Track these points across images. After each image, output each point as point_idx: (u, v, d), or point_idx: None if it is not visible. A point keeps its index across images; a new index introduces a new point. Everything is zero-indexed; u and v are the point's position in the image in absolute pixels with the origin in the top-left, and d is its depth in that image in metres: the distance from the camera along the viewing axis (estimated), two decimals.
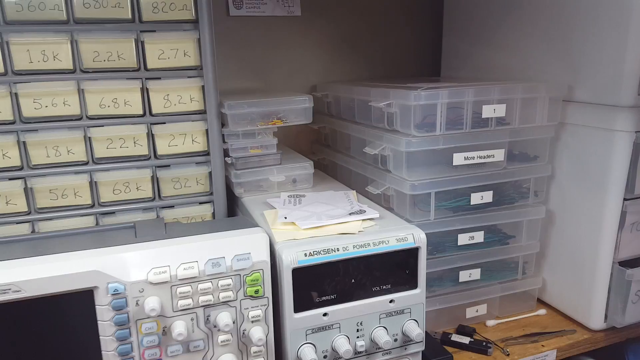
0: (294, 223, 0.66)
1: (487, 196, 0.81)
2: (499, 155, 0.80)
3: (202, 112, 0.76)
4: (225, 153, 0.81)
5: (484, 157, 0.79)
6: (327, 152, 1.07)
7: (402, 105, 0.74)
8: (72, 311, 0.54)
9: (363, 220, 0.68)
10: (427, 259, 0.66)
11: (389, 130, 0.80)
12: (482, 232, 0.82)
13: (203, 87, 0.75)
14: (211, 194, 0.80)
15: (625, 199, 0.76)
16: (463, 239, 0.82)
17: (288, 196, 0.79)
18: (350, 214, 0.69)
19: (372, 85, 0.87)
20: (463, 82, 0.88)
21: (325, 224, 0.66)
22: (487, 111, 0.76)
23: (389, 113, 0.78)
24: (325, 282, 0.62)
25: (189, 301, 0.56)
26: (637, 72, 0.71)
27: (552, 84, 0.80)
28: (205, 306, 0.57)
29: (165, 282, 0.55)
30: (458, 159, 0.77)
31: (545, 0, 0.84)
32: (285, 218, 0.68)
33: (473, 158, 0.78)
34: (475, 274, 0.85)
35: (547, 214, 0.86)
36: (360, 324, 0.64)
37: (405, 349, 0.67)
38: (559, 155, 0.84)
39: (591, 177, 0.78)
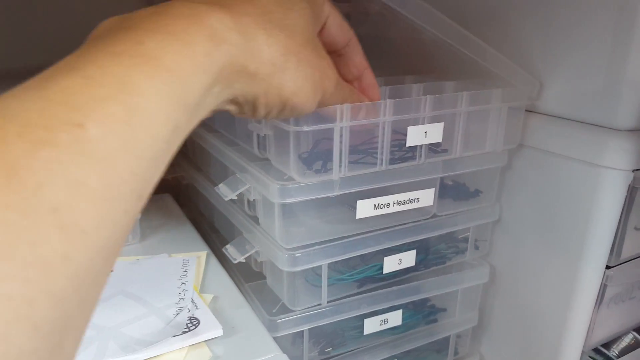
0: None
1: (408, 258, 0.53)
2: (426, 198, 0.51)
3: None
4: None
5: (405, 203, 0.50)
6: (187, 167, 0.73)
7: (278, 127, 0.43)
8: None
9: (190, 346, 0.37)
10: None
11: (261, 159, 0.49)
12: (400, 310, 0.54)
13: None
14: None
15: (607, 267, 0.51)
16: (372, 325, 0.53)
17: None
18: (171, 325, 0.38)
19: None
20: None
21: None
22: (415, 135, 0.46)
23: (259, 135, 0.47)
24: None
25: None
26: None
27: (515, 82, 0.51)
28: None
29: None
30: (364, 208, 0.48)
31: None
32: None
33: (388, 205, 0.49)
34: None
35: (490, 273, 0.59)
36: None
37: None
38: (511, 191, 0.57)
39: (560, 230, 0.52)
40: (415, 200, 0.50)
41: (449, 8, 0.48)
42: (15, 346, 0.14)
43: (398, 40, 0.60)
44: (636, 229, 0.51)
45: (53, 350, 0.16)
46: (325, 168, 0.43)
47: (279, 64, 0.28)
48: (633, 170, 0.47)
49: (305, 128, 0.40)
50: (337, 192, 0.45)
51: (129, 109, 0.18)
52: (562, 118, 0.51)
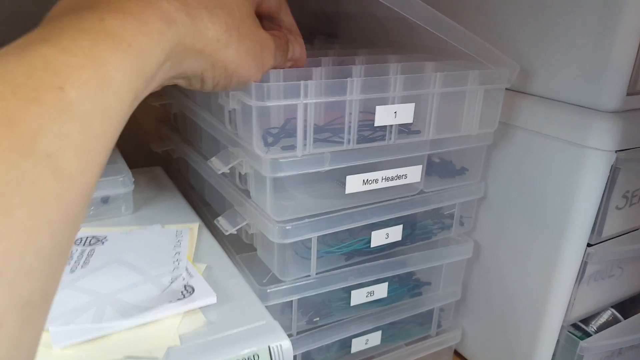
0: (47, 331, 0.35)
1: (395, 233, 0.54)
2: (414, 174, 0.52)
3: None
4: None
5: (393, 179, 0.51)
6: (177, 141, 0.74)
7: (243, 103, 0.44)
8: None
9: (185, 313, 0.38)
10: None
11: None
12: (386, 283, 0.56)
13: None
14: None
15: (588, 245, 0.52)
16: (358, 297, 0.55)
17: (75, 242, 0.47)
18: (166, 292, 0.39)
19: None
20: (354, 56, 0.59)
21: (108, 332, 0.35)
22: (384, 115, 0.47)
23: (229, 110, 0.48)
24: None
25: None
26: (630, 59, 0.46)
27: (493, 64, 0.52)
28: None
29: None
30: (353, 184, 0.49)
31: None
32: None
33: (376, 181, 0.50)
34: (374, 338, 0.59)
35: (474, 249, 0.61)
36: None
37: None
38: (497, 170, 0.58)
39: (543, 208, 0.54)
40: (403, 177, 0.52)
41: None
42: (26, 264, 0.17)
43: (385, 20, 0.60)
44: (617, 208, 0.53)
45: (52, 275, 0.19)
46: (290, 145, 0.44)
47: (223, 40, 0.31)
48: (616, 151, 0.48)
49: (268, 103, 0.41)
50: (327, 167, 0.46)
51: (100, 76, 0.21)
52: (549, 99, 0.52)
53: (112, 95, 0.22)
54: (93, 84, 0.21)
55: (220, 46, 0.31)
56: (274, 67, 0.41)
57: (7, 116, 0.17)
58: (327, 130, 0.45)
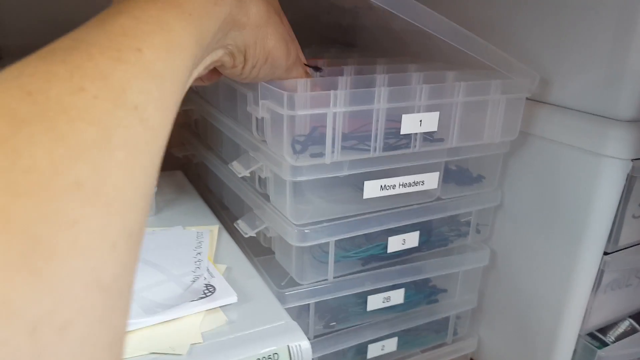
0: None
1: (412, 239, 0.55)
2: (431, 181, 0.53)
3: None
4: None
5: (410, 185, 0.52)
6: (198, 146, 0.75)
7: (273, 111, 0.45)
8: None
9: (206, 311, 0.39)
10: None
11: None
12: (403, 289, 0.56)
13: None
14: None
15: (605, 253, 0.53)
16: (375, 302, 0.55)
17: None
18: (189, 291, 0.40)
19: None
20: (374, 65, 0.60)
21: (133, 329, 0.36)
22: (409, 123, 0.48)
23: (257, 118, 0.49)
24: None
25: None
26: None
27: (513, 74, 0.53)
28: None
29: None
30: (371, 189, 0.50)
31: None
32: None
33: (393, 187, 0.51)
34: (391, 344, 0.59)
35: (490, 256, 0.61)
36: None
37: None
38: (514, 178, 0.59)
39: (560, 217, 0.54)
40: (420, 183, 0.52)
41: (455, 11, 0.49)
42: (128, 198, 0.19)
43: (402, 31, 0.61)
44: (634, 217, 0.53)
45: (145, 213, 0.21)
46: (319, 153, 0.45)
47: (264, 20, 0.35)
48: (632, 160, 0.48)
49: (299, 112, 0.42)
50: (346, 172, 0.47)
51: (169, 41, 0.24)
52: (566, 108, 0.52)
53: (178, 58, 0.24)
54: (163, 48, 0.23)
55: (261, 24, 0.35)
56: (297, 75, 0.44)
57: (99, 71, 0.20)
58: (354, 138, 0.46)
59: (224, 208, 0.68)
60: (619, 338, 0.59)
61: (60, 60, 0.19)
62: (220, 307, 0.40)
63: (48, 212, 0.16)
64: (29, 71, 0.19)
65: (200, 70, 0.30)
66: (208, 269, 0.44)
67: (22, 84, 0.18)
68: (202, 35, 0.27)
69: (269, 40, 0.37)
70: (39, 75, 0.18)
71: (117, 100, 0.19)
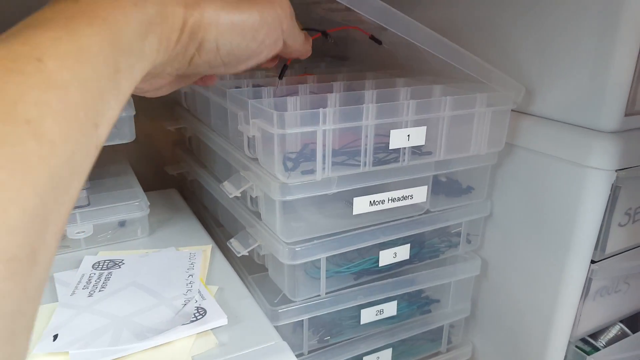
0: (67, 354, 0.37)
1: (403, 252, 0.56)
2: (420, 195, 0.54)
3: None
4: None
5: (399, 200, 0.52)
6: (192, 164, 0.76)
7: (264, 130, 0.46)
8: None
9: (197, 334, 0.40)
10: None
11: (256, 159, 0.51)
12: (395, 301, 0.57)
13: None
14: None
15: (592, 261, 0.53)
16: (368, 315, 0.56)
17: (93, 266, 0.49)
18: (179, 315, 0.41)
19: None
20: (363, 80, 0.61)
21: (124, 354, 0.37)
22: (398, 138, 0.48)
23: (248, 137, 0.50)
24: None
25: None
26: (627, 81, 0.47)
27: (499, 86, 0.53)
28: None
29: None
30: (361, 205, 0.51)
31: None
32: (55, 339, 0.38)
33: (383, 202, 0.52)
34: (385, 356, 0.60)
35: (482, 266, 0.62)
36: None
37: None
38: (503, 188, 0.60)
39: (547, 226, 0.55)
40: (409, 197, 0.53)
41: (444, 21, 0.50)
42: (10, 220, 0.18)
43: (392, 44, 0.62)
44: (620, 225, 0.54)
45: (40, 235, 0.19)
46: (310, 169, 0.45)
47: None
48: (616, 170, 0.49)
49: (289, 130, 0.43)
50: (334, 190, 0.48)
51: (76, 48, 0.22)
52: (551, 120, 0.53)
53: (88, 65, 0.23)
54: (70, 55, 0.22)
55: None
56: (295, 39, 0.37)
57: None
58: (344, 154, 0.47)
59: (219, 225, 0.69)
60: (610, 343, 0.60)
61: None
62: (211, 329, 0.41)
63: None
64: None
65: (138, 76, 0.27)
66: (199, 291, 0.45)
67: None
68: (122, 39, 0.25)
69: (219, 11, 0.31)
70: None
71: (4, 115, 0.18)
